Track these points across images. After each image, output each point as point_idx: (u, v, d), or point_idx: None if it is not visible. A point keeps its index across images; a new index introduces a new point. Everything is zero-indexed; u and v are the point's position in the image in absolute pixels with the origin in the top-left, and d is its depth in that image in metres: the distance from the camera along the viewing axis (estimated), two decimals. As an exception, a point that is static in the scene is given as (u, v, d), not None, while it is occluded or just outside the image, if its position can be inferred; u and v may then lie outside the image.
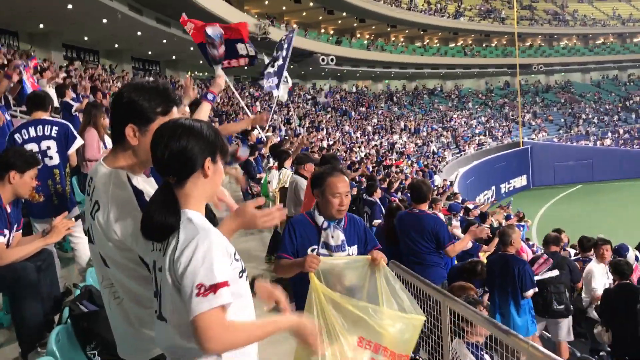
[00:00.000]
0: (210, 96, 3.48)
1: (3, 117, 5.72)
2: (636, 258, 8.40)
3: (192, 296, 1.62)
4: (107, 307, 2.17)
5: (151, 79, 2.25)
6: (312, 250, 3.23)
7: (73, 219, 3.87)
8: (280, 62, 13.44)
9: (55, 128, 4.57)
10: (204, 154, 1.81)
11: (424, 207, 5.50)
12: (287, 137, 19.09)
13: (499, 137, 42.79)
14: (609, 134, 45.78)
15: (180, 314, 1.70)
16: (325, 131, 28.79)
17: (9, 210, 3.60)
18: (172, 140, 1.79)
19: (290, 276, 3.23)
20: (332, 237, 3.27)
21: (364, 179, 13.32)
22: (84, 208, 2.29)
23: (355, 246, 3.36)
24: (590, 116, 48.76)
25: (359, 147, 27.46)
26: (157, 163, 1.83)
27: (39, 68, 11.85)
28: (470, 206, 14.42)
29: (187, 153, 1.79)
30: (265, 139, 12.63)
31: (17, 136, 4.48)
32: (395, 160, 26.68)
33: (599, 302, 6.41)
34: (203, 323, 1.62)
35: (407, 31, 49.35)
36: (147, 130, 1.99)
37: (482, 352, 3.84)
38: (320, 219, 3.30)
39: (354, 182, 11.16)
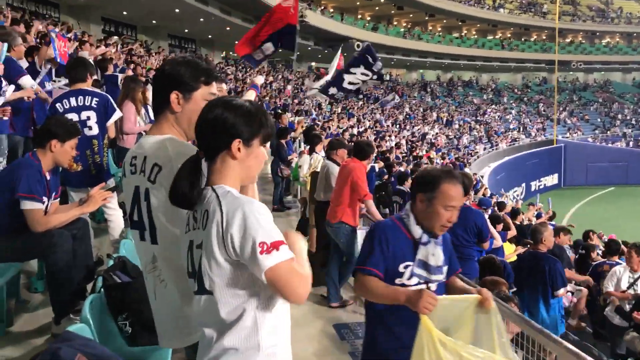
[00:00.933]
0: (254, 86, 3.84)
1: (45, 95, 5.78)
2: None
3: (257, 255, 1.63)
4: (151, 296, 2.19)
5: (193, 56, 2.30)
6: (406, 268, 2.59)
7: (110, 190, 3.91)
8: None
9: (95, 99, 4.61)
10: (232, 134, 1.78)
11: (466, 200, 5.46)
12: (318, 122, 19.07)
13: (533, 134, 42.09)
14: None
15: (228, 285, 1.71)
16: (356, 118, 28.64)
17: (48, 177, 3.65)
18: (208, 110, 1.82)
19: (380, 302, 2.61)
20: (433, 255, 2.62)
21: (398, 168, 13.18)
22: (120, 181, 2.31)
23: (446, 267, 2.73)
24: (628, 117, 47.57)
25: (390, 136, 27.27)
26: (196, 135, 1.86)
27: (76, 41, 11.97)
28: (504, 201, 14.20)
29: (217, 126, 1.79)
30: (296, 122, 12.63)
31: (58, 105, 4.53)
32: (426, 151, 26.45)
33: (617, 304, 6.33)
34: (279, 275, 1.64)
35: (445, 21, 48.66)
36: (190, 97, 2.07)
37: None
38: (417, 231, 2.61)
39: (384, 170, 11.08)
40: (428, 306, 2.30)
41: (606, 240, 10.45)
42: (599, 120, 47.31)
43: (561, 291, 5.55)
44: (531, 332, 3.18)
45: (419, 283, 2.59)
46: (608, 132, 45.34)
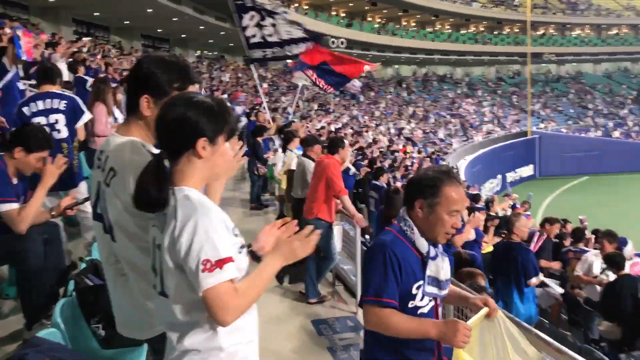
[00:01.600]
0: None
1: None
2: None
3: (199, 272, 1.61)
4: (111, 286, 2.18)
5: (171, 54, 2.23)
6: (418, 288, 2.34)
7: (80, 198, 3.85)
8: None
9: (63, 102, 4.55)
10: (197, 132, 1.74)
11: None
12: (294, 120, 19.05)
13: (507, 126, 42.56)
14: (618, 126, 45.43)
15: (182, 290, 1.70)
16: (333, 115, 28.69)
17: (15, 182, 3.59)
18: (168, 110, 1.77)
19: (402, 337, 2.32)
20: (443, 268, 2.39)
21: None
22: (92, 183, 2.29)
23: None
24: (600, 108, 48.37)
25: (367, 132, 27.36)
26: (157, 134, 1.83)
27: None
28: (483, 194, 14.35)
29: (179, 126, 1.74)
30: (271, 121, 12.58)
31: (25, 109, 4.47)
32: (403, 146, 26.62)
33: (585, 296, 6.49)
34: (214, 296, 1.62)
35: (418, 16, 48.89)
36: (162, 102, 1.98)
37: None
38: (424, 244, 2.35)
39: (362, 164, 11.14)
40: (465, 340, 2.15)
41: (584, 226, 10.68)
42: (572, 111, 47.99)
43: (534, 280, 5.64)
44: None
45: (430, 301, 2.40)
46: (581, 122, 46.03)
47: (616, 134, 43.80)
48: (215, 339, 1.73)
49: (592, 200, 27.64)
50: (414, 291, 2.32)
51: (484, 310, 2.36)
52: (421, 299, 2.35)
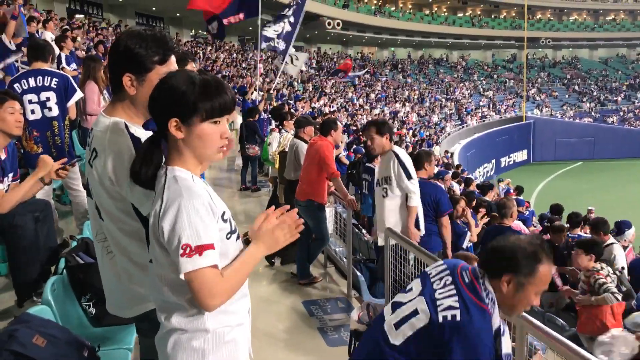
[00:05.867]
0: None
1: None
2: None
3: (178, 256, 1.61)
4: (99, 261, 2.18)
5: (148, 28, 2.18)
6: None
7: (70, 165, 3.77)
8: (288, 27, 12.74)
9: (55, 79, 4.52)
10: (168, 112, 1.71)
11: (424, 174, 5.43)
12: (289, 101, 18.98)
13: (502, 111, 42.58)
14: (613, 112, 45.53)
15: (164, 268, 1.70)
16: (328, 97, 28.58)
17: (3, 157, 3.53)
18: (153, 89, 1.77)
19: None
20: (508, 344, 2.13)
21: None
22: (84, 161, 2.28)
23: None
24: (595, 94, 48.40)
25: (362, 115, 27.30)
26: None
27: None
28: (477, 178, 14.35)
29: (154, 106, 1.75)
30: (258, 99, 12.53)
31: (16, 85, 4.43)
32: (397, 129, 26.59)
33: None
34: (196, 280, 1.62)
35: (415, -2, 48.69)
36: (144, 79, 1.97)
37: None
38: (497, 320, 2.03)
39: (361, 148, 11.13)
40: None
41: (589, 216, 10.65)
42: (567, 96, 48.02)
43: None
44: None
45: None
46: (575, 108, 46.07)
47: (610, 120, 43.92)
48: (201, 320, 1.73)
49: (586, 185, 27.81)
50: None
51: None
52: None
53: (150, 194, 1.80)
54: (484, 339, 1.95)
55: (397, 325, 2.06)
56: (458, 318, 1.93)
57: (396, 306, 2.13)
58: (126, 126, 1.97)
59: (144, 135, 1.98)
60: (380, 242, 4.79)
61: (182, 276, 1.62)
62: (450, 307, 1.98)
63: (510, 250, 2.06)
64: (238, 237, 1.83)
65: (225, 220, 1.75)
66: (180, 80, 1.72)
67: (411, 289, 2.15)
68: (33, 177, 3.31)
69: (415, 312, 2.04)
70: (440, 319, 1.96)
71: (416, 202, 4.80)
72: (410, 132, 28.12)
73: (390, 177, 4.81)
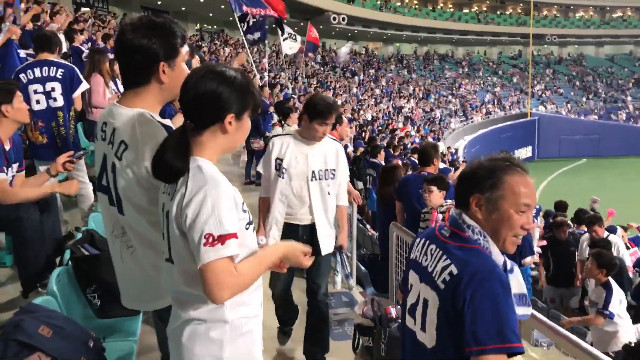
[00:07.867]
0: None
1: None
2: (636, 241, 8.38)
3: (200, 245, 1.61)
4: (117, 259, 2.17)
5: (144, 16, 2.16)
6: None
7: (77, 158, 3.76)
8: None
9: (60, 70, 4.51)
10: (227, 108, 1.75)
11: (432, 170, 5.40)
12: (293, 95, 18.97)
13: (507, 107, 42.45)
14: (619, 110, 45.31)
15: (184, 260, 1.70)
16: (332, 92, 28.53)
17: (7, 147, 3.53)
18: (199, 82, 1.75)
19: None
20: (522, 283, 1.91)
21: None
22: (93, 154, 2.26)
23: None
24: (600, 91, 48.18)
25: (366, 110, 27.25)
26: (183, 104, 1.80)
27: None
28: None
29: (210, 100, 1.74)
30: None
31: (22, 76, 4.43)
32: (402, 124, 26.55)
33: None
34: (211, 272, 1.61)
35: (421, -7, 48.50)
36: (175, 65, 2.02)
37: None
38: (500, 257, 1.81)
39: (361, 142, 11.12)
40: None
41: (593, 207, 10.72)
42: (572, 93, 47.82)
43: (528, 259, 5.66)
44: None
45: None
46: (581, 105, 45.88)
47: (616, 117, 43.73)
48: (221, 311, 1.73)
49: (590, 183, 27.71)
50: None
51: None
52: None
53: None
54: (490, 279, 1.66)
55: (422, 328, 1.84)
56: (455, 272, 1.70)
57: (412, 310, 1.92)
58: (151, 116, 2.00)
59: (168, 121, 2.03)
60: None
61: (199, 266, 1.62)
62: (443, 269, 1.75)
63: (470, 170, 1.89)
64: (254, 229, 1.84)
65: (244, 211, 1.77)
66: (240, 75, 1.79)
67: (412, 285, 1.96)
68: (51, 188, 3.32)
69: (425, 303, 1.82)
70: (442, 287, 1.73)
71: None
72: (415, 127, 28.05)
73: None
